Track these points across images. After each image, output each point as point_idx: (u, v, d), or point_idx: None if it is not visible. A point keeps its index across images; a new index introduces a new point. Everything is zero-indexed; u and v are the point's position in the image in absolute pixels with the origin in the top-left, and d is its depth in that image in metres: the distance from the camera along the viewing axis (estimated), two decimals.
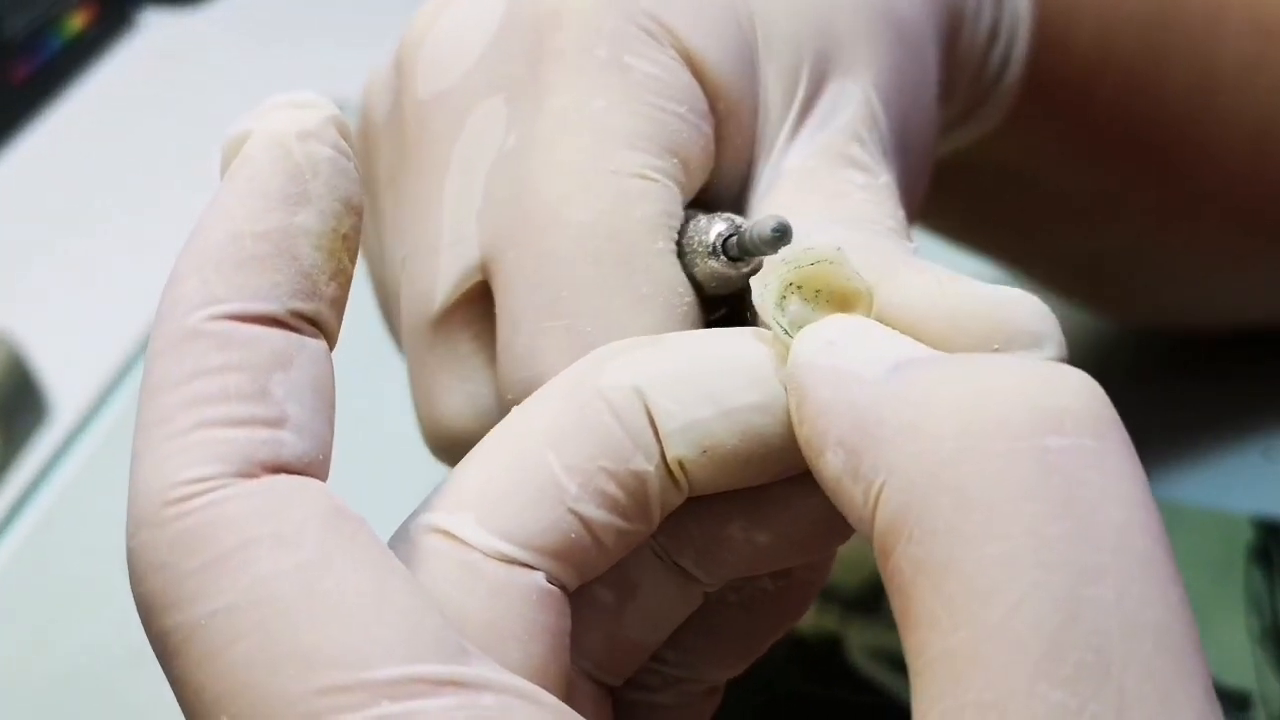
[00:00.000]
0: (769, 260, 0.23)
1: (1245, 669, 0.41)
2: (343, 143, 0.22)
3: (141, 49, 0.80)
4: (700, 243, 0.25)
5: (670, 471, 0.22)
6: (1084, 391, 0.20)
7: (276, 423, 0.20)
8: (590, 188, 0.25)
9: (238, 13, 0.83)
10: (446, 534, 0.21)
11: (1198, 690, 0.18)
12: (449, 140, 0.27)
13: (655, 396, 0.22)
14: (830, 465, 0.20)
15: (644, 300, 0.25)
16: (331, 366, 0.21)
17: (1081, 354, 0.55)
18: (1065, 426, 0.19)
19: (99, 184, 0.68)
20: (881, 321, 0.22)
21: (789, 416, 0.22)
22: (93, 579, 0.45)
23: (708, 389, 0.22)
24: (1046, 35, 0.36)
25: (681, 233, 0.26)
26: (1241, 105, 0.41)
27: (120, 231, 0.64)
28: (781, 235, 0.23)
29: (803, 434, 0.21)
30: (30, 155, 0.70)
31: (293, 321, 0.20)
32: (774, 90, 0.27)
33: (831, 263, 0.23)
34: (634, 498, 0.22)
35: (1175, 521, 0.46)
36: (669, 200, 0.26)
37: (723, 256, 0.25)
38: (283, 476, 0.20)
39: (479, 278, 0.26)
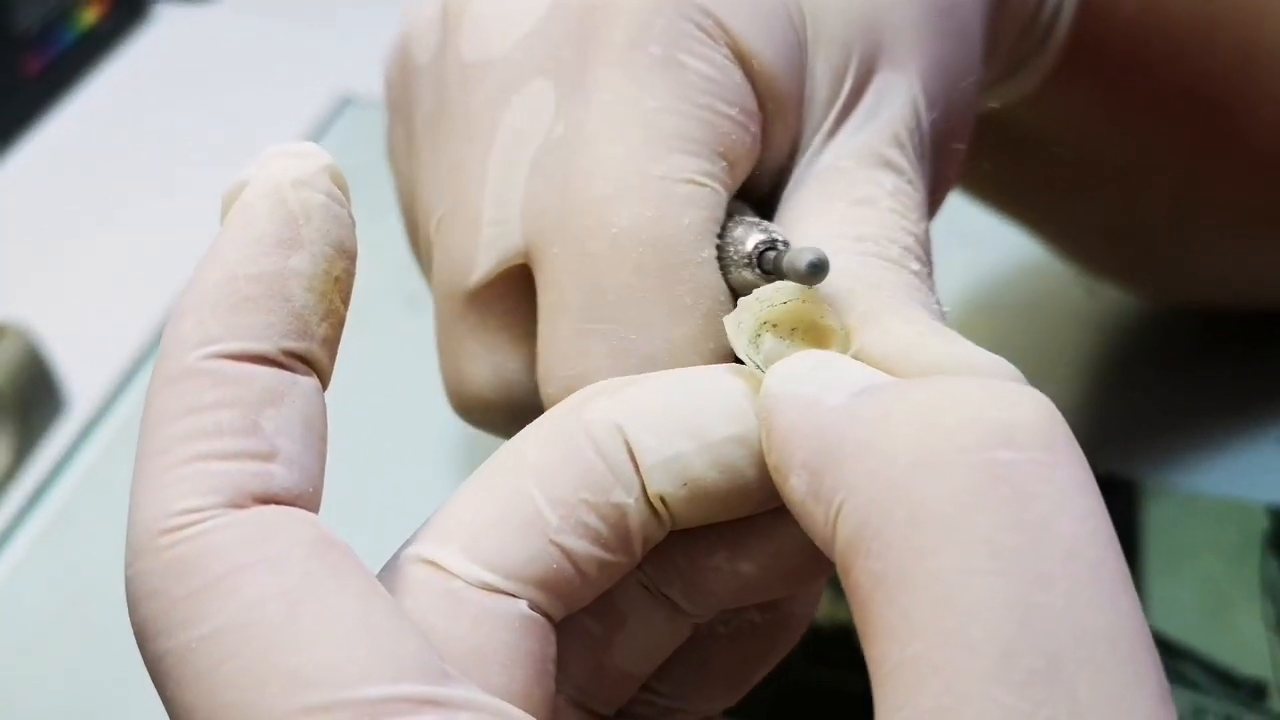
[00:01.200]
0: (743, 300, 0.24)
1: (1262, 657, 0.41)
2: (336, 190, 0.22)
3: (154, 42, 0.80)
4: (738, 251, 0.25)
5: (652, 505, 0.22)
6: (1036, 407, 0.20)
7: (267, 456, 0.20)
8: (637, 192, 0.25)
9: (250, 6, 0.83)
10: (432, 564, 0.22)
11: (1151, 693, 0.18)
12: (494, 113, 0.27)
13: (635, 431, 0.22)
14: (795, 489, 0.21)
15: (686, 310, 0.25)
16: (323, 403, 0.22)
17: (1100, 344, 0.55)
18: (1017, 440, 0.19)
19: (113, 177, 0.68)
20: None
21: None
22: (109, 571, 0.45)
23: (687, 424, 0.22)
24: (1093, 3, 0.36)
25: (721, 234, 0.26)
26: (1278, 78, 0.41)
27: (135, 225, 0.65)
28: (817, 270, 0.23)
29: (772, 461, 0.22)
30: (44, 149, 0.70)
31: (285, 360, 0.21)
32: (821, 88, 0.27)
33: (803, 301, 0.23)
34: (615, 530, 0.22)
35: (1192, 511, 0.46)
36: (715, 205, 0.26)
37: (758, 270, 0.25)
38: (272, 507, 0.20)
39: (520, 261, 0.27)
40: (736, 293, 0.26)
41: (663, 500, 0.22)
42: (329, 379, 0.22)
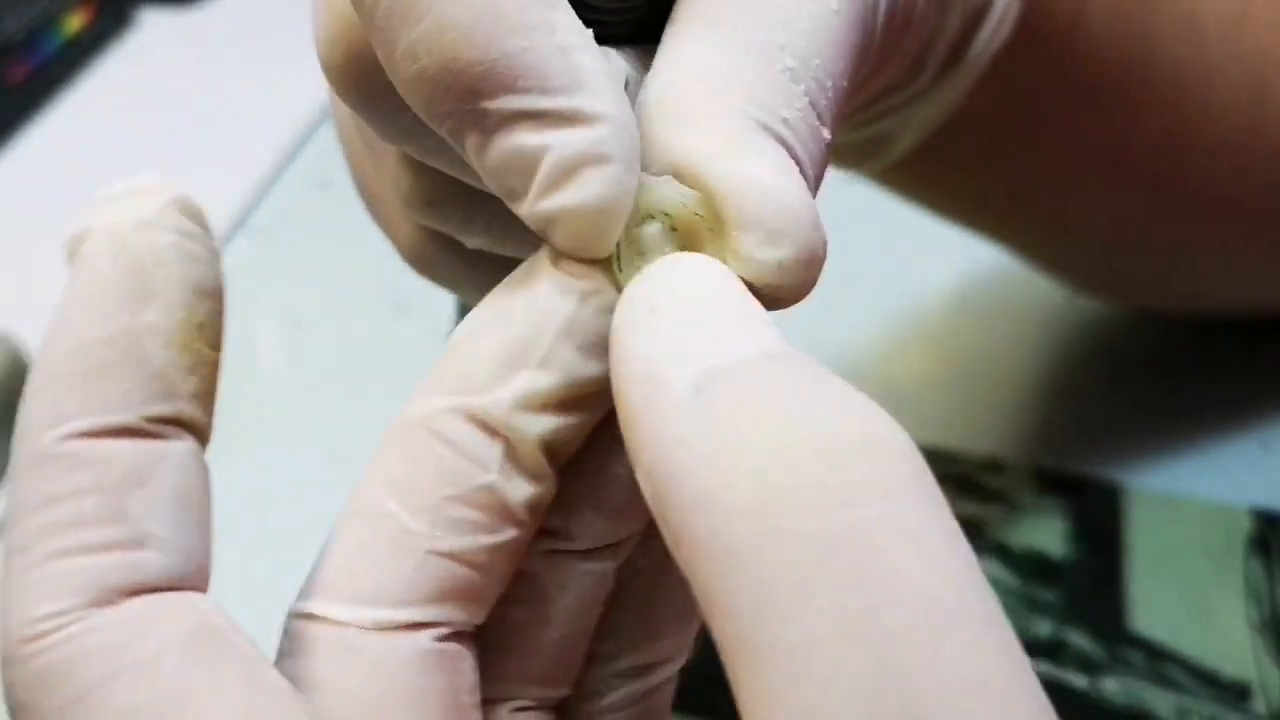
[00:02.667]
0: (651, 179, 0.21)
1: (1245, 659, 0.41)
2: (189, 224, 0.21)
3: (139, 48, 0.80)
4: None
5: (520, 463, 0.21)
6: (871, 448, 0.18)
7: (136, 544, 0.19)
8: None
9: (236, 11, 0.83)
10: (317, 618, 0.20)
11: None
12: None
13: (469, 401, 0.21)
14: (645, 492, 0.19)
15: None
16: (202, 467, 0.20)
17: (1084, 347, 0.55)
18: (852, 494, 0.18)
19: (98, 184, 0.68)
20: (652, 156, 0.21)
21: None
22: None
23: (521, 360, 0.21)
24: None
25: None
26: (1233, 51, 0.40)
27: None
28: None
29: (621, 427, 0.20)
30: (29, 155, 0.70)
31: (150, 428, 0.20)
32: None
33: (710, 230, 0.21)
34: (491, 511, 0.21)
35: (1175, 514, 0.46)
36: None
37: None
38: (144, 599, 0.19)
39: None
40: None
41: (531, 447, 0.21)
42: (208, 435, 0.21)
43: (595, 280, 0.21)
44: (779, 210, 0.21)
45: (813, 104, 0.22)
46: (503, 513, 0.21)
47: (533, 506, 0.21)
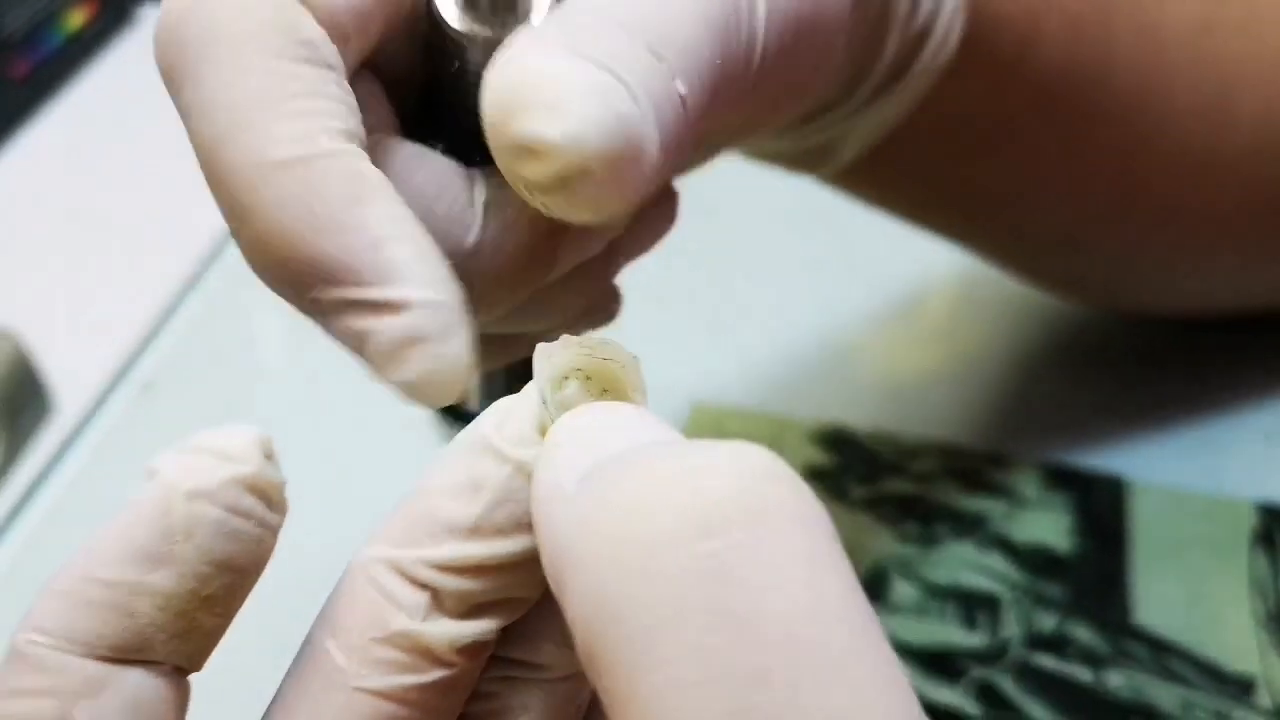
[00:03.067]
0: (564, 339, 0.23)
1: (1250, 653, 0.41)
2: (247, 500, 0.22)
3: (141, 45, 0.80)
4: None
5: (446, 609, 0.22)
6: (733, 476, 0.18)
7: None
8: None
9: None
10: None
11: None
12: None
13: (403, 556, 0.22)
14: (551, 586, 0.20)
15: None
16: (164, 696, 0.22)
17: (1087, 342, 0.55)
18: (713, 527, 0.18)
19: (100, 180, 0.68)
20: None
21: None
22: None
23: (454, 526, 0.22)
24: None
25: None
26: (1195, 66, 0.40)
27: (121, 228, 0.65)
28: None
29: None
30: (31, 152, 0.70)
31: (112, 655, 0.21)
32: None
33: (623, 368, 0.23)
34: (414, 652, 0.22)
35: (1180, 507, 0.46)
36: None
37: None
38: None
39: None
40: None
41: (452, 600, 0.22)
42: (184, 673, 0.22)
43: (533, 451, 0.22)
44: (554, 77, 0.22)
45: (672, 71, 0.24)
46: (427, 654, 0.22)
47: (463, 649, 0.22)
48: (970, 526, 0.45)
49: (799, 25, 0.28)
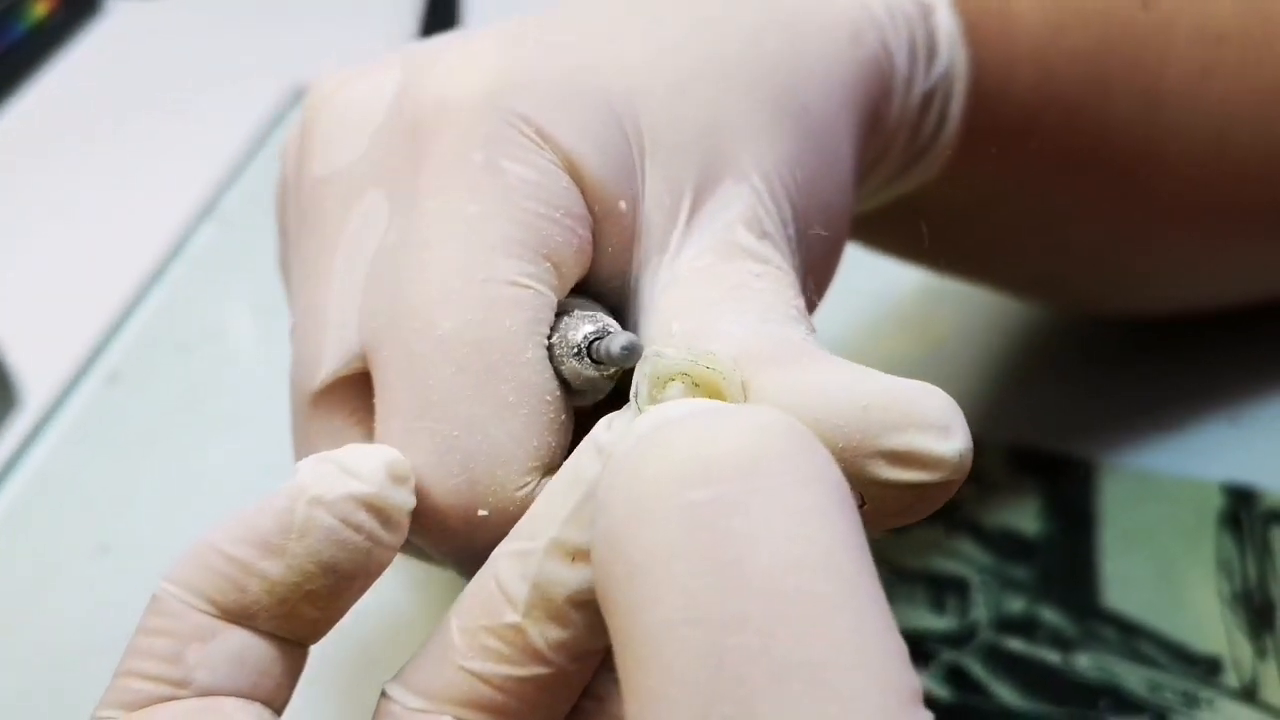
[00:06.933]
0: (672, 347, 0.25)
1: (1217, 633, 0.41)
2: (362, 517, 0.24)
3: (106, 36, 0.79)
4: (567, 341, 0.26)
5: (547, 608, 0.23)
6: (740, 430, 0.19)
7: (180, 684, 0.23)
8: (460, 295, 0.26)
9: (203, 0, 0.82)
10: (385, 695, 0.25)
11: (864, 715, 0.17)
12: (338, 223, 0.29)
13: (519, 547, 0.24)
14: None
15: (510, 408, 0.26)
16: (269, 653, 0.24)
17: (1056, 326, 0.55)
18: (711, 475, 0.19)
19: (65, 170, 0.67)
20: (797, 408, 0.23)
21: None
22: (60, 569, 0.45)
23: (556, 516, 0.23)
24: (985, 87, 0.36)
25: (554, 329, 0.27)
26: (1193, 114, 0.40)
27: (88, 219, 0.64)
28: (630, 353, 0.25)
29: None
30: None
31: (223, 616, 0.24)
32: (659, 188, 0.28)
33: (723, 377, 0.24)
34: (517, 647, 0.23)
35: (1147, 490, 0.46)
36: (540, 306, 0.26)
37: (587, 359, 0.26)
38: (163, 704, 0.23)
39: (360, 366, 0.28)
40: (572, 386, 0.27)
41: (555, 596, 0.23)
42: (293, 642, 0.25)
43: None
44: (942, 407, 0.24)
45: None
46: (528, 650, 0.23)
47: (563, 649, 0.23)
48: (938, 510, 0.45)
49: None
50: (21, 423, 0.51)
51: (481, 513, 0.26)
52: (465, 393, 0.26)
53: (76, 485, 0.48)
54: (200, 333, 0.56)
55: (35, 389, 0.52)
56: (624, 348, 0.25)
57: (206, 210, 0.62)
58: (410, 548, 0.28)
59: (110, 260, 0.59)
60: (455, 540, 0.26)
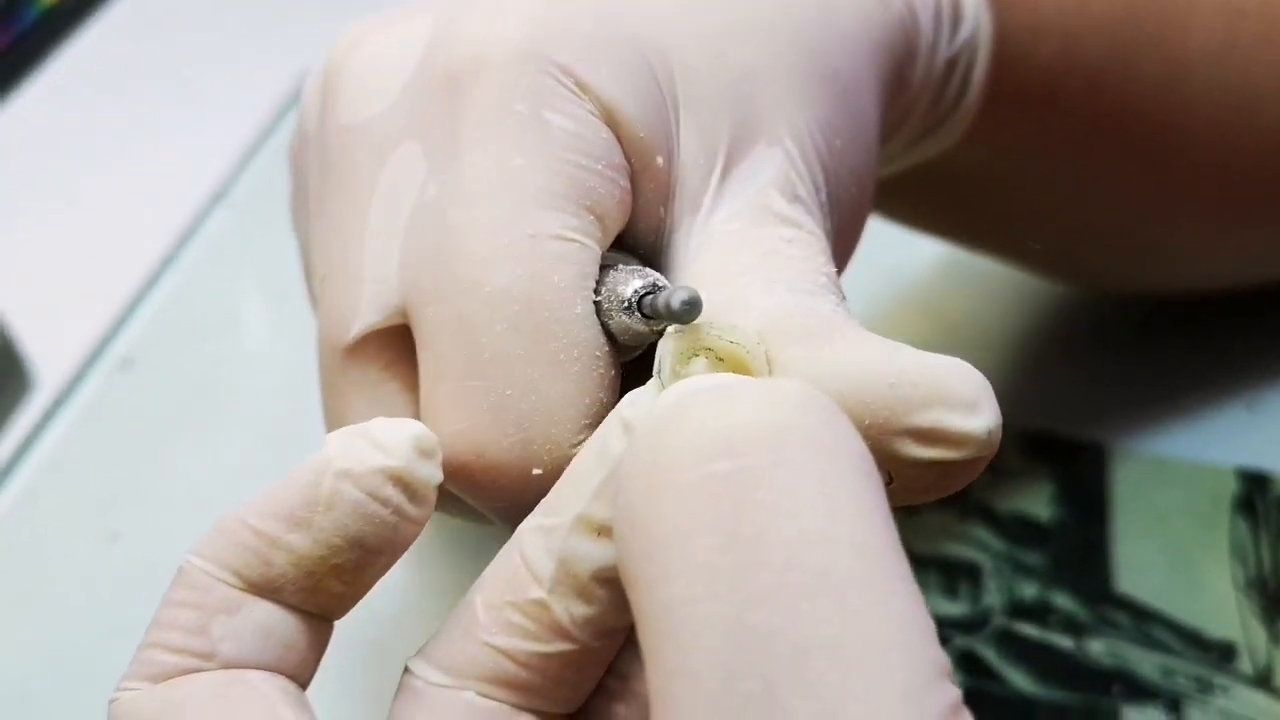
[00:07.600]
0: (695, 324, 0.24)
1: (1231, 619, 0.41)
2: (390, 491, 0.24)
3: (117, 21, 0.79)
4: (617, 296, 0.26)
5: (573, 584, 0.23)
6: (763, 403, 0.19)
7: (205, 656, 0.23)
8: (509, 252, 0.25)
9: None
10: (408, 670, 0.24)
11: (883, 696, 0.17)
12: (371, 174, 0.28)
13: (544, 523, 0.24)
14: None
15: (561, 365, 0.25)
16: (295, 626, 0.24)
17: (1070, 311, 0.55)
18: (733, 448, 0.19)
19: (78, 156, 0.68)
20: (823, 384, 0.23)
21: None
22: (74, 553, 0.45)
23: (582, 491, 0.23)
24: (1009, 54, 0.36)
25: (600, 283, 0.26)
26: (1216, 86, 0.40)
27: (100, 203, 0.64)
28: (691, 308, 0.24)
29: None
30: (7, 128, 0.70)
31: (248, 589, 0.24)
32: (693, 145, 0.28)
33: (748, 351, 0.24)
34: (542, 623, 0.23)
35: (1161, 475, 0.46)
36: (587, 260, 0.26)
37: (637, 314, 0.26)
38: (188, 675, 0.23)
39: (399, 320, 0.27)
40: (619, 341, 0.26)
41: (580, 571, 0.23)
42: (317, 616, 0.25)
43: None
44: (970, 382, 0.24)
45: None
46: (553, 626, 0.23)
47: (588, 625, 0.23)
48: (952, 495, 0.45)
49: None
50: (34, 408, 0.51)
51: (536, 471, 0.25)
52: (517, 351, 0.25)
53: (88, 471, 0.49)
54: (212, 318, 0.56)
55: (48, 375, 0.53)
56: (684, 302, 0.24)
57: (219, 195, 0.62)
58: (449, 504, 0.27)
59: (122, 246, 0.59)
60: (508, 498, 0.26)
